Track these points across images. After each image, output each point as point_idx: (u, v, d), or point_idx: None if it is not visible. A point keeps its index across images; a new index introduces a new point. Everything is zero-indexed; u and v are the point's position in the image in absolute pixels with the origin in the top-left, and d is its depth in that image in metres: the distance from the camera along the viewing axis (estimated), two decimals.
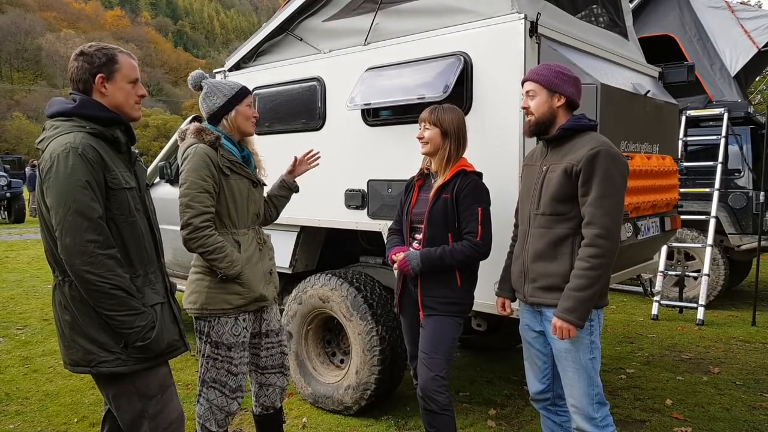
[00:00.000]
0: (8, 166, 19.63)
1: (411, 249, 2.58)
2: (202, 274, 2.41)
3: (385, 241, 2.80)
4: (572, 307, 2.14)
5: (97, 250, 1.79)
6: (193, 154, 2.35)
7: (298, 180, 2.86)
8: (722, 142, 6.11)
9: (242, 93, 2.51)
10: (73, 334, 1.89)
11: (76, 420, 3.50)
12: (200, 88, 2.52)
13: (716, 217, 6.01)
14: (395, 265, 2.57)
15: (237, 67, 4.05)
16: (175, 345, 2.01)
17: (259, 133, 3.74)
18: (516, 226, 2.55)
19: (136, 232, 1.95)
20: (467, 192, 2.48)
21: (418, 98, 2.85)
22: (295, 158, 2.87)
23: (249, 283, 2.41)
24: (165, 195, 4.84)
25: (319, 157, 2.91)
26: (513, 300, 2.56)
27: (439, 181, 2.54)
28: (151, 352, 1.92)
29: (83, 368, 1.90)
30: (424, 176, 2.69)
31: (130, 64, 1.98)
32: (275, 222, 2.90)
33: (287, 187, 2.84)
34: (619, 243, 2.20)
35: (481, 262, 2.59)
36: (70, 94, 1.97)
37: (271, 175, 2.77)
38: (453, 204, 2.50)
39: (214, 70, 4.21)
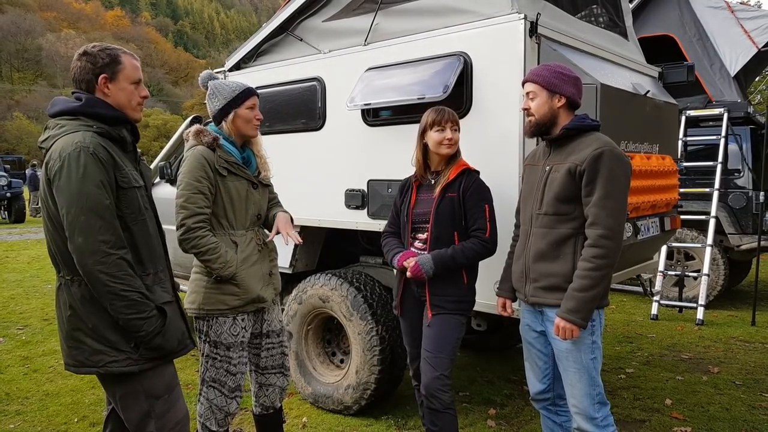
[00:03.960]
0: (8, 166, 19.70)
1: (415, 250, 2.59)
2: (200, 274, 2.41)
3: (382, 244, 2.78)
4: (576, 307, 2.14)
5: (110, 250, 1.79)
6: (190, 155, 2.36)
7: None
8: (722, 142, 6.11)
9: (242, 96, 2.45)
10: (80, 335, 1.88)
11: (76, 420, 3.50)
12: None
13: (716, 217, 6.01)
14: (408, 273, 2.52)
15: (237, 67, 4.06)
16: (185, 342, 2.03)
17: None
18: (517, 226, 2.55)
19: (145, 230, 1.96)
20: (474, 190, 2.50)
21: (418, 98, 2.85)
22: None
23: (245, 284, 2.40)
24: (165, 195, 4.83)
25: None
26: (513, 300, 2.56)
27: (443, 181, 2.55)
28: (162, 351, 1.93)
29: (90, 368, 1.88)
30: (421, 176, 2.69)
31: (133, 65, 1.98)
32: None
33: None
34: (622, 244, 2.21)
35: (482, 262, 2.59)
36: (74, 93, 1.96)
37: (273, 176, 2.76)
38: (460, 202, 2.51)
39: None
